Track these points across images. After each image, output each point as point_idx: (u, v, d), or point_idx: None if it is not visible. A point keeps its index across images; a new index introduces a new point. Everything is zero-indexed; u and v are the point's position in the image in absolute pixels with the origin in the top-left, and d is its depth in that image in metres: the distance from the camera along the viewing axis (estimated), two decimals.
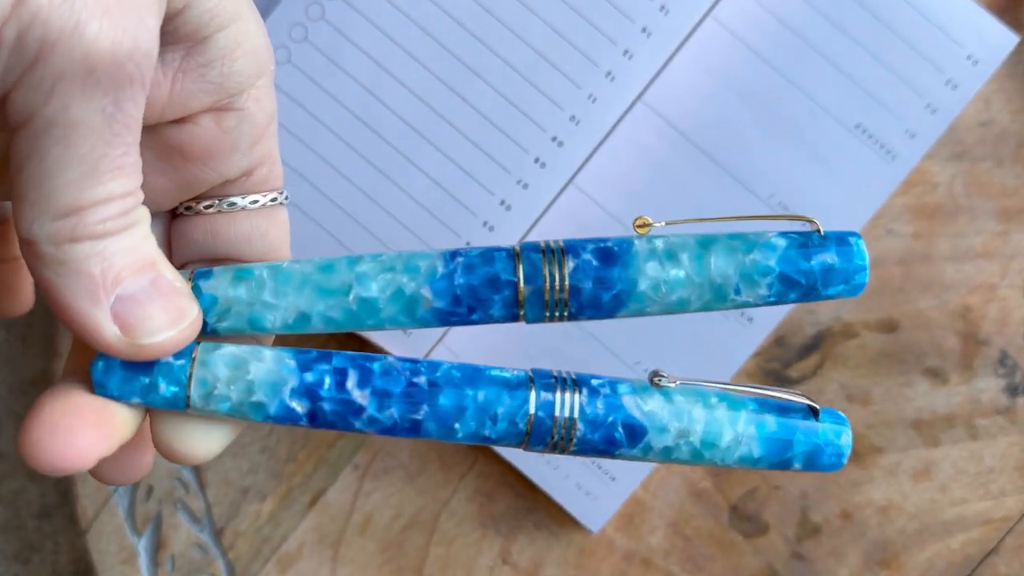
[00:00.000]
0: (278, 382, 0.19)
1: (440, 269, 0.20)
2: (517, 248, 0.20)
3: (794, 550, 0.36)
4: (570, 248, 0.20)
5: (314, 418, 0.19)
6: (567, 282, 0.20)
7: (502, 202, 0.35)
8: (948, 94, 0.34)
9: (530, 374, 0.20)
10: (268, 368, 0.19)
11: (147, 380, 0.19)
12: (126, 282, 0.18)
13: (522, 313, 0.20)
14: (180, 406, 0.19)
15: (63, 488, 0.43)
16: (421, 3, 0.34)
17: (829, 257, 0.20)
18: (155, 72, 0.19)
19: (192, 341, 0.19)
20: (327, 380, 0.19)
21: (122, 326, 0.18)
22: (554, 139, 0.34)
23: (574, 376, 0.20)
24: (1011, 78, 0.36)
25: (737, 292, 0.20)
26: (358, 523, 0.37)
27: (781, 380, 0.37)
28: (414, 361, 0.20)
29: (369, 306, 0.20)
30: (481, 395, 0.20)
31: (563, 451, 0.20)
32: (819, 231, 0.20)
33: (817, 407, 0.20)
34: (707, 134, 0.35)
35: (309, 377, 0.19)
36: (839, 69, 0.34)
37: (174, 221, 0.22)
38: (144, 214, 0.19)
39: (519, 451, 0.36)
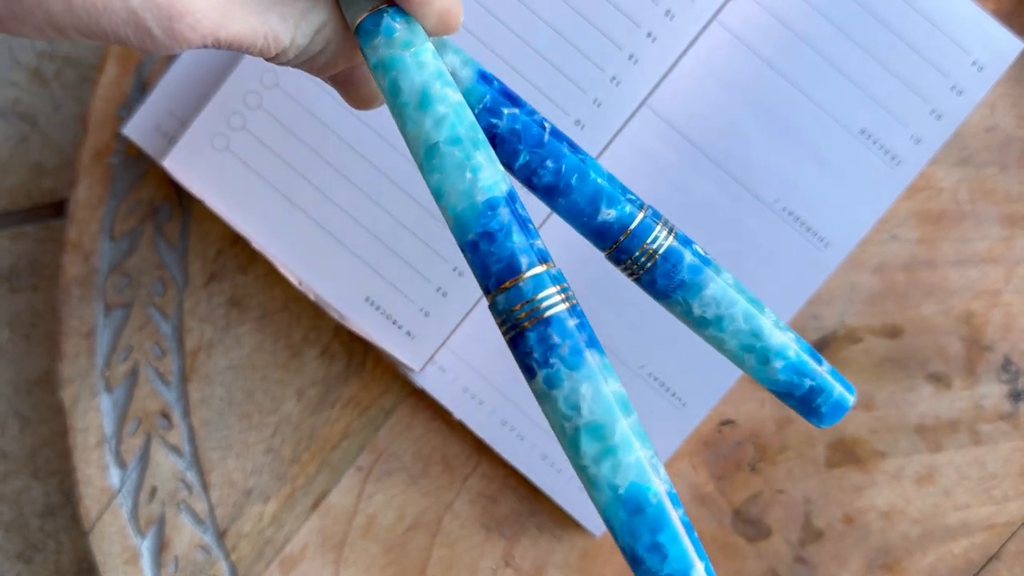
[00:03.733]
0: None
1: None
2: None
3: (797, 554, 0.36)
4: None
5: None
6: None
7: None
8: (953, 100, 0.34)
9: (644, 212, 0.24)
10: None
11: None
12: (325, 77, 0.25)
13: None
14: None
15: (66, 488, 0.43)
16: None
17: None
18: None
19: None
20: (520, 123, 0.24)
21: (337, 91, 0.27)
22: None
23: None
24: (1017, 84, 0.36)
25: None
26: (361, 525, 0.37)
27: None
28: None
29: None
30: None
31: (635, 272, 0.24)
32: None
33: None
34: (712, 139, 0.35)
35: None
36: (844, 74, 0.34)
37: None
38: (321, 42, 0.23)
39: (522, 454, 0.36)
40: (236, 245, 0.38)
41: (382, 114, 0.34)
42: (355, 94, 0.26)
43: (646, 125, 0.35)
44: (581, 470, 0.20)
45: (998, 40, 0.34)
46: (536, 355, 0.20)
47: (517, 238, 0.21)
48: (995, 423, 0.36)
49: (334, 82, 0.26)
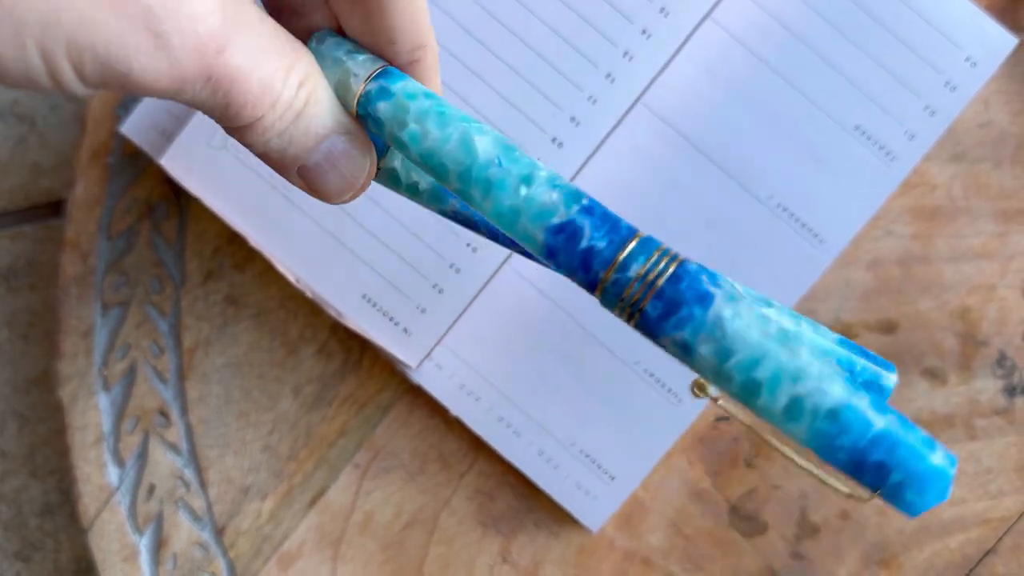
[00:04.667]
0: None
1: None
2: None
3: (793, 550, 0.37)
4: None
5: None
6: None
7: None
8: (947, 96, 0.34)
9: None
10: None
11: None
12: (304, 158, 0.22)
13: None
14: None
15: (65, 486, 0.43)
16: None
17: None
18: None
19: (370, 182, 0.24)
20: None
21: (308, 188, 0.23)
22: (554, 140, 0.35)
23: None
24: (1010, 80, 0.36)
25: None
26: (359, 522, 0.37)
27: None
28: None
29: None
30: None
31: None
32: None
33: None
34: (706, 135, 0.35)
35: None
36: (838, 71, 0.35)
37: None
38: (307, 95, 0.21)
39: (519, 450, 0.36)
40: (233, 243, 0.38)
41: None
42: (334, 178, 0.23)
43: (641, 122, 0.35)
44: (800, 372, 0.17)
45: (991, 36, 0.34)
46: (708, 279, 0.19)
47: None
48: (990, 418, 0.36)
49: (308, 173, 0.23)
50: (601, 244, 0.19)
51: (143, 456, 0.38)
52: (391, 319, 0.35)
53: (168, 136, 0.36)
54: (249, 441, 0.38)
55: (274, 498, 0.37)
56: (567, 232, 0.19)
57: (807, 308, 0.37)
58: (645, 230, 0.21)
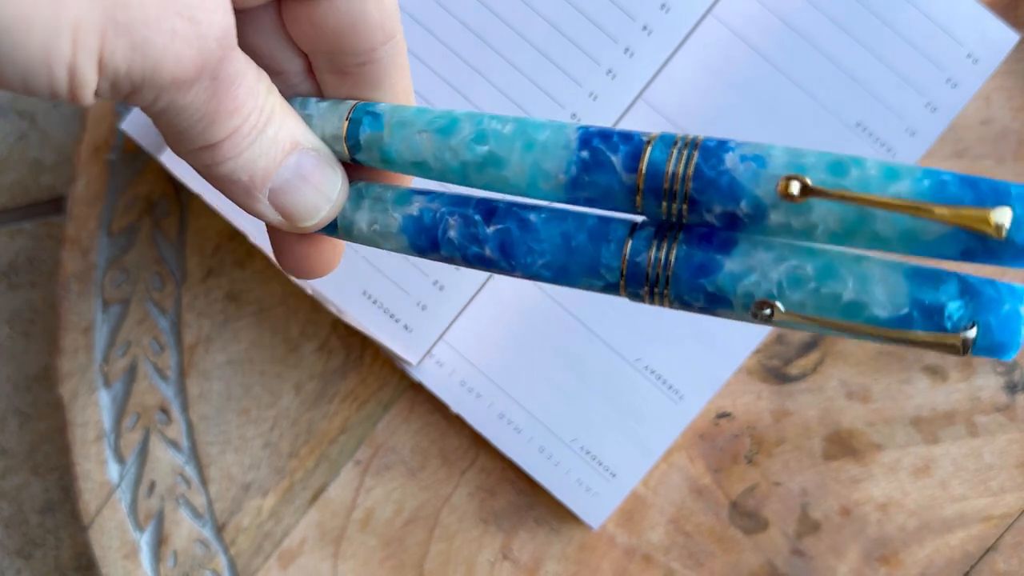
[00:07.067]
0: (407, 245, 0.21)
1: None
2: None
3: (794, 547, 0.37)
4: (692, 206, 0.19)
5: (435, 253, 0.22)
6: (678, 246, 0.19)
7: None
8: (948, 92, 0.34)
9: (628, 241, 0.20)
10: (397, 239, 0.21)
11: None
12: (273, 175, 0.20)
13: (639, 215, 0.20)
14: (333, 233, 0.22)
15: (65, 483, 0.43)
16: (424, 1, 0.34)
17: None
18: None
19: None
20: (444, 243, 0.21)
21: (282, 214, 0.21)
22: None
23: (677, 246, 0.19)
24: (1011, 76, 0.36)
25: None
26: (359, 519, 0.37)
27: (781, 377, 0.37)
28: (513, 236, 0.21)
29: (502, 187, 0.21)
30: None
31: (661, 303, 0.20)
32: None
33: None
34: (707, 132, 0.35)
35: (425, 237, 0.21)
36: (840, 67, 0.35)
37: (283, 5, 0.22)
38: (273, 102, 0.20)
39: (520, 447, 0.36)
40: (234, 240, 0.38)
41: None
42: (309, 192, 0.21)
43: (642, 118, 0.35)
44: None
45: (993, 32, 0.34)
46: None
47: None
48: (991, 415, 0.36)
49: (279, 193, 0.21)
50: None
51: (144, 453, 0.38)
52: (391, 316, 0.35)
53: None
54: (250, 438, 0.38)
55: (275, 495, 0.37)
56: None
57: None
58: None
